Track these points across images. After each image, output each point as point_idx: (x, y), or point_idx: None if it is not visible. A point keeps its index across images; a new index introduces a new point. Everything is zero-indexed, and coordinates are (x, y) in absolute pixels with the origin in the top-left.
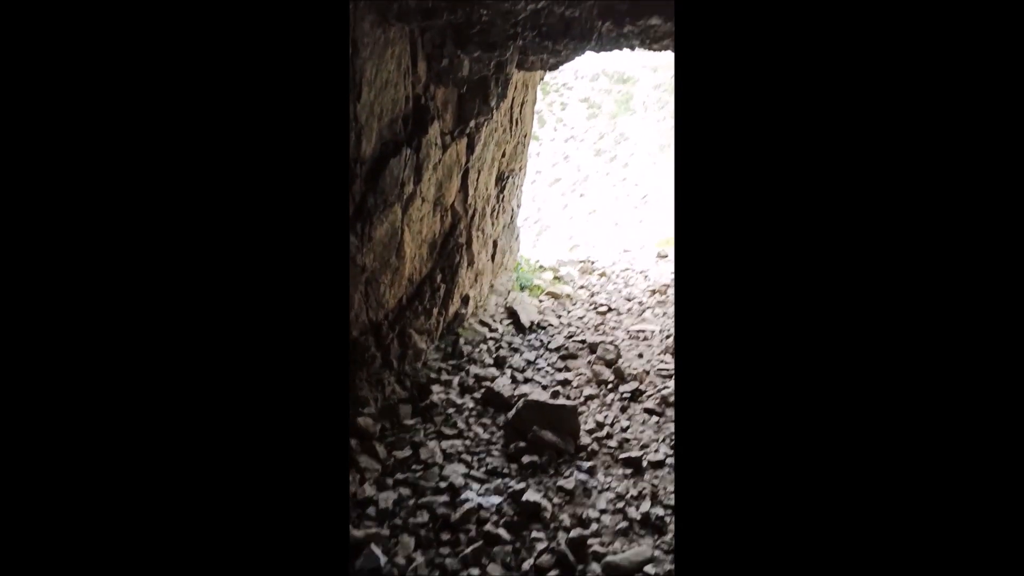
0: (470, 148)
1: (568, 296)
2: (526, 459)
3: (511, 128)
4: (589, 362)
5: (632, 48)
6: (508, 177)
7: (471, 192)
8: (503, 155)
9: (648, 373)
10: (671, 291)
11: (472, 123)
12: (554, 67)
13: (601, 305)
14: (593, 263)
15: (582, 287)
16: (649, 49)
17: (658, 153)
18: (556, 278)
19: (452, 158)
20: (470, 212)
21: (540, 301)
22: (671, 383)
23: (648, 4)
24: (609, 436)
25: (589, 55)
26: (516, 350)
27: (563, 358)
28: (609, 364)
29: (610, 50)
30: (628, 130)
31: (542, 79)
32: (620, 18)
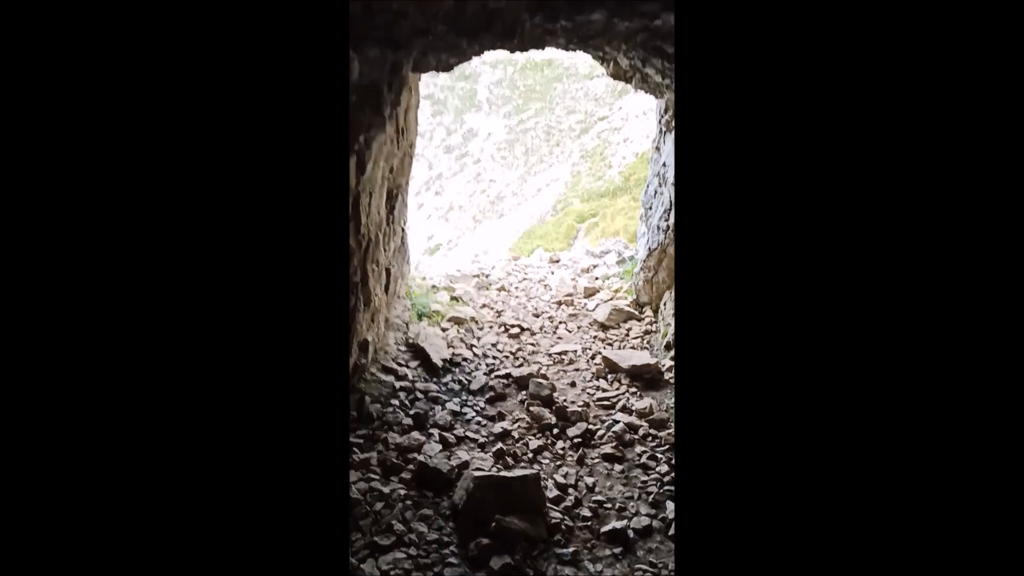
0: (360, 169)
1: (473, 319)
2: (496, 562)
3: (398, 139)
4: (522, 402)
5: (554, 47)
6: (397, 195)
7: (363, 220)
8: (391, 171)
9: (589, 406)
10: (577, 299)
11: (362, 138)
12: (449, 68)
13: (511, 326)
14: (487, 276)
15: (484, 306)
16: (575, 49)
17: (507, 149)
18: (453, 299)
19: None
20: (363, 244)
21: (444, 330)
22: (618, 415)
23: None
24: (578, 503)
25: (499, 54)
26: (435, 400)
27: (491, 401)
28: (546, 402)
29: (526, 49)
30: (475, 126)
31: (419, 78)
32: (553, 12)
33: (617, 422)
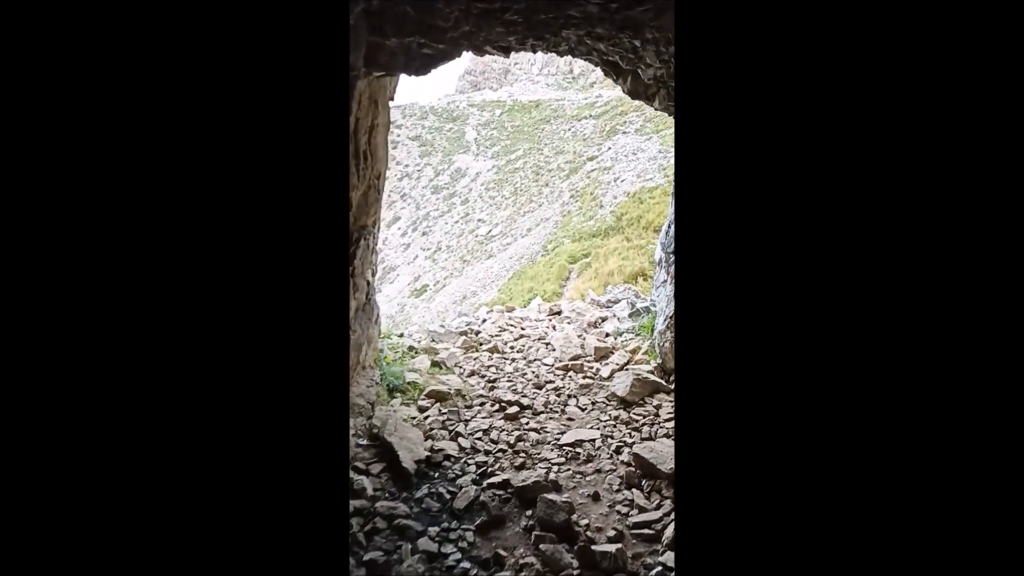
0: None
1: (459, 393)
2: None
3: (358, 166)
4: (528, 531)
5: (569, 30)
6: (359, 240)
7: None
8: (350, 207)
9: (623, 537)
10: (587, 363)
11: None
12: (422, 70)
13: (508, 403)
14: (477, 333)
15: (473, 373)
16: (592, 49)
17: (496, 189)
18: (435, 364)
19: None
20: None
21: (422, 411)
22: (667, 556)
23: None
24: None
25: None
26: (403, 532)
27: (484, 530)
28: (563, 534)
29: (532, 30)
30: (463, 166)
31: (392, 97)
32: None
33: (670, 570)
